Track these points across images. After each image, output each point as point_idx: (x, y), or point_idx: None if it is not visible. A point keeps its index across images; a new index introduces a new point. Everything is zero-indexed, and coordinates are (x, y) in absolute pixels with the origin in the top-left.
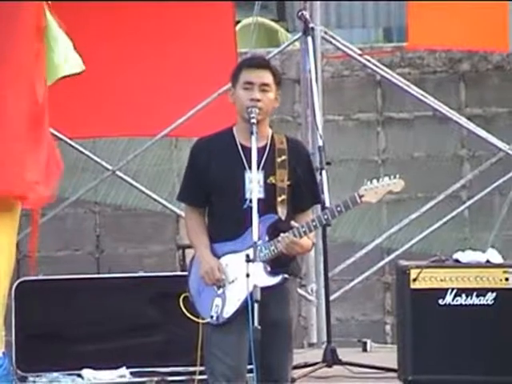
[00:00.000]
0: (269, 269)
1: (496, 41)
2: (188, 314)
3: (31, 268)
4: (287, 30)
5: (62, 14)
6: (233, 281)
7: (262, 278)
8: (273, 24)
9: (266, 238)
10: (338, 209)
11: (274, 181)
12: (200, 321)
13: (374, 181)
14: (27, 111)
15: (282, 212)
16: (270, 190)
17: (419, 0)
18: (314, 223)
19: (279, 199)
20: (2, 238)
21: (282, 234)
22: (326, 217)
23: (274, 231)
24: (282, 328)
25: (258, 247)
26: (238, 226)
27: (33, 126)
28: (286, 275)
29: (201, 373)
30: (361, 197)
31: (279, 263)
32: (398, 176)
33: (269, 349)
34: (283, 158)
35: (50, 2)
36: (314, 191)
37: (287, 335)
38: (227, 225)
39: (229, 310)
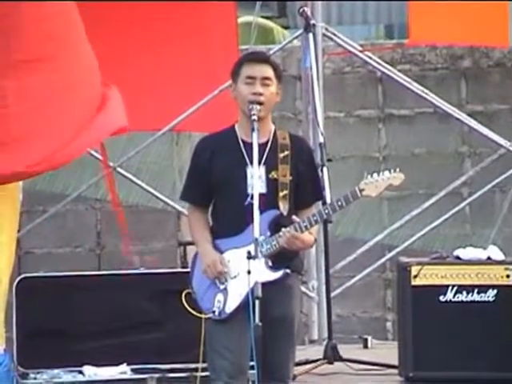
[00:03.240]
0: (270, 264)
1: (496, 37)
2: (191, 310)
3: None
4: (287, 28)
5: None
6: (235, 276)
7: (264, 273)
8: (268, 22)
9: (268, 233)
10: (339, 203)
11: (275, 176)
12: (203, 316)
13: (375, 174)
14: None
15: (283, 207)
16: (272, 184)
17: None
18: (315, 218)
19: (281, 194)
20: (2, 234)
21: (283, 229)
22: (326, 211)
23: (276, 226)
24: (285, 325)
25: (260, 243)
26: (240, 222)
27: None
28: (287, 270)
29: (203, 369)
30: (361, 190)
31: (282, 259)
32: (398, 169)
33: (271, 345)
34: (286, 153)
35: None
36: (316, 187)
37: (290, 332)
38: (230, 221)
39: (231, 306)
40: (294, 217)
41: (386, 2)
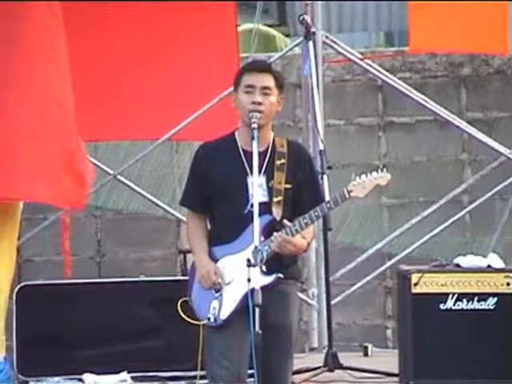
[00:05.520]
0: (264, 269)
1: (496, 44)
2: (186, 318)
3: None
4: (287, 35)
5: (67, 19)
6: (229, 282)
7: (257, 277)
8: (270, 30)
9: (262, 239)
10: (328, 205)
11: (273, 183)
12: (199, 323)
13: (363, 176)
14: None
15: (276, 213)
16: (271, 193)
17: (421, 0)
18: (306, 221)
19: (275, 200)
20: (3, 242)
21: (274, 233)
22: (316, 214)
23: (269, 232)
24: (283, 332)
25: (259, 250)
26: (237, 230)
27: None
28: (280, 274)
29: (202, 377)
30: (349, 192)
31: (278, 266)
32: (385, 169)
33: (269, 352)
34: (282, 161)
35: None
36: (316, 194)
37: (288, 339)
38: (227, 229)
39: (225, 312)
40: (285, 221)
41: (386, 9)
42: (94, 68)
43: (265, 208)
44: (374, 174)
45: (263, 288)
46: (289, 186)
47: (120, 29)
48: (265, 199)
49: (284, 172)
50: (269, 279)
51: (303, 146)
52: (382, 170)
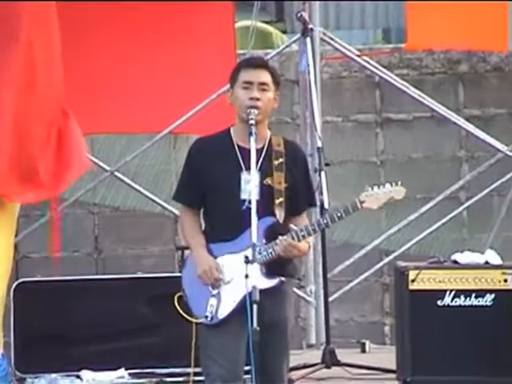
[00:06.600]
0: (265, 270)
1: (495, 41)
2: (183, 314)
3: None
4: (285, 32)
5: (66, 14)
6: (228, 282)
7: (259, 280)
8: (267, 26)
9: (264, 241)
10: (338, 214)
11: (270, 182)
12: (194, 320)
13: (376, 187)
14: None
15: (279, 215)
16: (266, 191)
17: (418, 0)
18: (313, 227)
19: (277, 202)
20: (0, 238)
21: (280, 237)
22: (325, 221)
23: (272, 234)
24: (279, 328)
25: (257, 247)
26: (235, 227)
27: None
28: (282, 278)
29: (196, 374)
30: (362, 202)
31: (275, 264)
32: (399, 183)
33: (265, 349)
34: (280, 160)
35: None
36: (309, 194)
37: (283, 336)
38: (224, 226)
39: (224, 311)
40: (291, 225)
41: (383, 6)
42: (94, 62)
43: (258, 206)
44: (388, 186)
45: (263, 288)
46: (287, 185)
47: (120, 24)
48: (256, 197)
49: (283, 172)
50: (272, 283)
51: (299, 145)
52: (396, 184)
